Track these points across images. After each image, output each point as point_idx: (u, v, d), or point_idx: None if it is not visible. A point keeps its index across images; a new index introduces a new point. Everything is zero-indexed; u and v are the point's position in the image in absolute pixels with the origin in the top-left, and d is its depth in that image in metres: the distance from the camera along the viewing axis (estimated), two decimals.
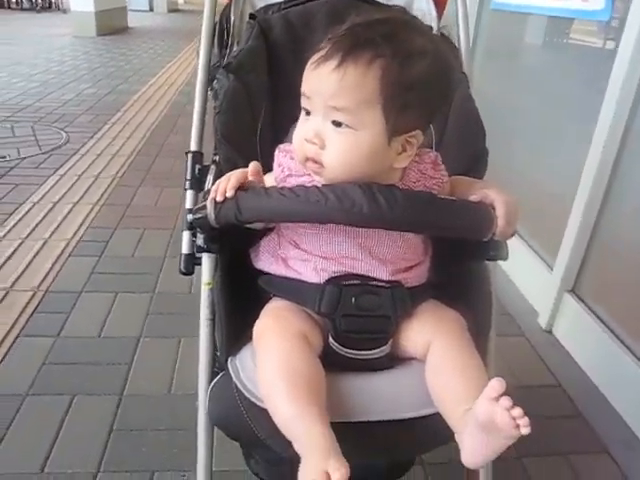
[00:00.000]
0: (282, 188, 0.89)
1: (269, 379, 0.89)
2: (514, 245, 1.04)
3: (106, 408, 1.70)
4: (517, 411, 0.72)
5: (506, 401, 0.73)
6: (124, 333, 2.03)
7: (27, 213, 2.87)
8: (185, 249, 1.14)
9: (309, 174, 0.96)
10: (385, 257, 0.98)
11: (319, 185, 0.87)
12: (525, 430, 0.72)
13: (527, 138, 2.69)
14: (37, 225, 2.76)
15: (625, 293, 1.95)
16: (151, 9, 14.08)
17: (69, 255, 2.51)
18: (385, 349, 0.97)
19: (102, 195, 3.15)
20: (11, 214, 2.84)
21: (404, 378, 0.98)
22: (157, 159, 3.74)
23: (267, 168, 1.03)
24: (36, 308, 2.13)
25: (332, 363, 0.94)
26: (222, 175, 0.95)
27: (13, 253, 2.49)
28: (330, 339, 0.96)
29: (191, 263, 1.14)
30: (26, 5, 12.60)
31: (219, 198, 0.90)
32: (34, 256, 2.48)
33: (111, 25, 9.36)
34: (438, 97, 0.94)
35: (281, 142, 1.07)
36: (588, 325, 2.03)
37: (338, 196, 0.83)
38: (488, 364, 0.98)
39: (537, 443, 1.67)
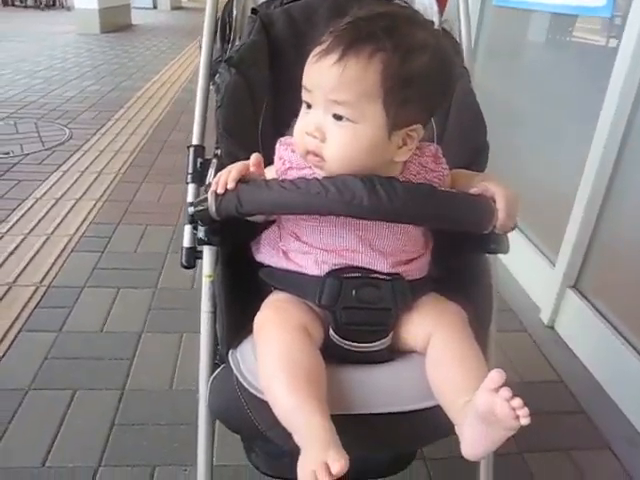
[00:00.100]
0: (283, 180, 0.89)
1: (269, 371, 0.89)
2: (516, 241, 1.04)
3: (108, 403, 1.70)
4: (517, 402, 0.72)
5: (506, 392, 0.73)
6: (126, 328, 2.03)
7: (30, 209, 2.88)
8: (186, 243, 1.15)
9: (310, 167, 0.96)
10: (385, 250, 0.98)
11: (320, 178, 0.87)
12: (525, 421, 0.72)
13: (529, 134, 2.69)
14: (40, 221, 2.76)
15: (627, 289, 1.95)
16: (154, 6, 14.05)
17: (72, 251, 2.52)
18: (385, 342, 0.97)
19: (105, 191, 3.16)
20: (14, 210, 2.85)
21: (404, 371, 0.98)
22: (160, 155, 3.74)
23: (268, 161, 1.03)
24: (38, 303, 2.13)
25: (332, 356, 0.95)
26: (223, 169, 0.96)
27: (16, 248, 2.50)
28: (331, 331, 0.96)
29: (192, 257, 1.14)
30: (30, 3, 12.59)
31: (220, 190, 0.90)
32: (37, 252, 2.48)
33: (115, 22, 9.36)
34: (439, 91, 0.94)
35: (282, 136, 1.07)
36: (590, 321, 2.02)
37: (339, 188, 0.83)
38: (488, 357, 0.98)
39: (539, 439, 1.67)
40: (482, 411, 0.76)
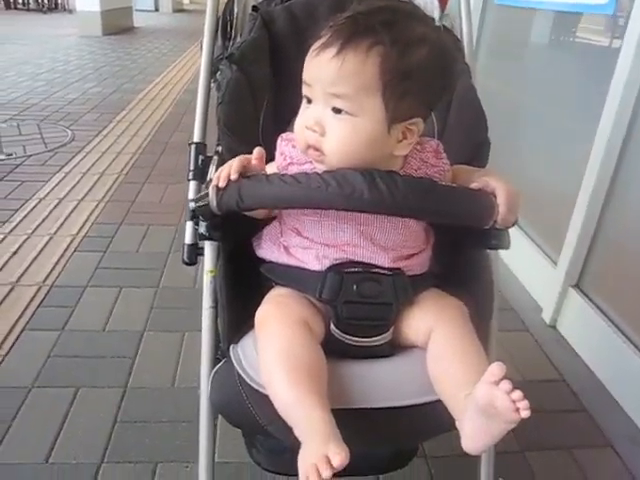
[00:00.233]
0: (283, 175, 0.89)
1: (270, 365, 0.89)
2: (517, 240, 1.04)
3: (110, 400, 1.71)
4: (517, 394, 0.72)
5: (506, 384, 0.73)
6: (128, 327, 2.04)
7: (33, 209, 2.89)
8: (188, 239, 1.15)
9: (311, 162, 0.96)
10: (386, 244, 0.98)
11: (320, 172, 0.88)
12: (525, 413, 0.72)
13: (531, 133, 2.69)
14: (43, 221, 2.77)
15: (630, 288, 1.95)
16: (156, 9, 14.10)
17: (74, 250, 2.53)
18: (386, 336, 0.97)
19: (107, 192, 3.17)
20: (17, 210, 2.86)
21: (405, 365, 0.98)
22: (162, 156, 3.75)
23: (269, 158, 1.03)
24: (41, 302, 2.14)
25: (333, 350, 0.95)
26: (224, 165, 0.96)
27: (19, 248, 2.50)
28: (332, 326, 0.96)
29: (194, 253, 1.15)
30: (33, 6, 12.64)
31: (222, 183, 0.90)
32: (40, 251, 2.49)
33: (117, 25, 9.39)
34: (438, 85, 0.94)
35: (283, 132, 1.07)
36: (592, 320, 2.02)
37: (339, 182, 0.84)
38: (489, 353, 0.98)
39: (540, 437, 1.67)
40: (482, 404, 0.76)
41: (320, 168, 0.93)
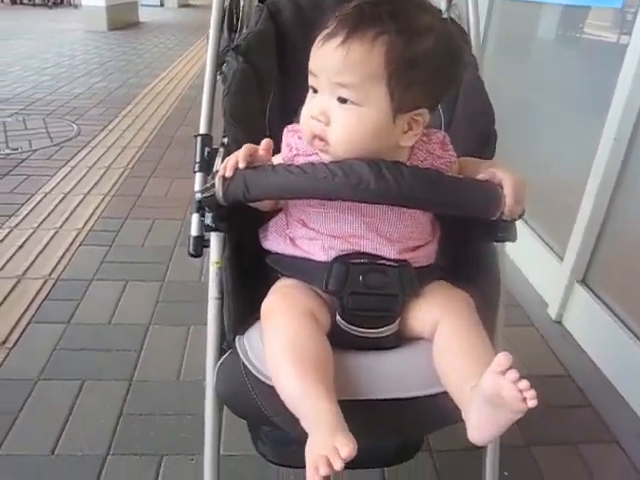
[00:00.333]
0: (289, 165, 0.89)
1: (276, 356, 0.89)
2: (523, 236, 1.03)
3: (116, 393, 1.71)
4: (524, 384, 0.72)
5: (513, 374, 0.72)
6: (134, 320, 2.04)
7: (39, 203, 2.89)
8: (194, 231, 1.14)
9: (317, 153, 0.96)
10: (392, 236, 0.98)
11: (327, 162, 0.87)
12: (532, 403, 0.71)
13: (537, 127, 2.67)
14: (48, 215, 2.78)
15: (636, 283, 1.94)
16: (162, 4, 14.07)
17: (80, 244, 2.53)
18: (392, 328, 0.97)
19: (113, 186, 3.17)
20: (23, 204, 2.86)
21: (411, 357, 0.98)
22: (168, 151, 3.75)
23: (276, 150, 1.03)
24: (47, 296, 2.15)
25: (339, 342, 0.95)
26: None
27: (25, 242, 2.51)
28: (337, 317, 0.96)
29: (200, 245, 1.14)
30: (38, 1, 12.64)
31: (228, 173, 0.90)
32: (45, 245, 2.50)
33: (122, 20, 9.39)
34: (445, 76, 0.93)
35: (290, 124, 1.07)
36: (598, 315, 2.01)
37: (345, 172, 0.83)
38: (495, 345, 0.98)
39: (546, 432, 1.67)
40: (489, 394, 0.76)
41: (326, 159, 0.92)
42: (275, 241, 1.04)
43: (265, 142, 0.95)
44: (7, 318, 2.00)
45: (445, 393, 0.90)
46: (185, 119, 4.40)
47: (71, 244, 2.52)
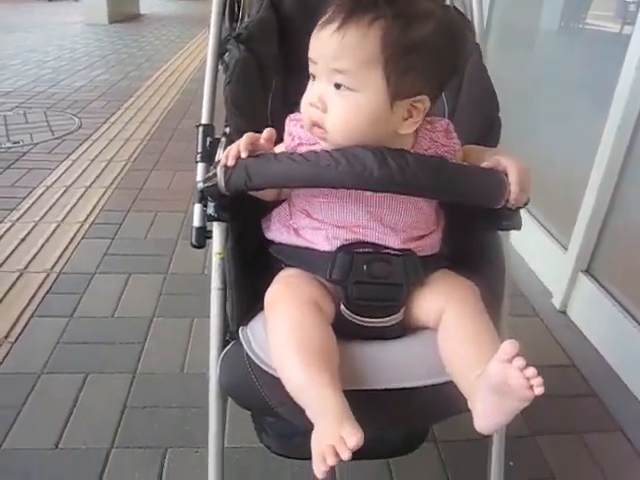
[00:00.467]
0: (292, 153, 0.88)
1: (280, 345, 0.88)
2: (527, 225, 1.03)
3: (119, 386, 1.71)
4: (530, 371, 0.71)
5: (519, 361, 0.72)
6: (137, 313, 2.04)
7: (40, 197, 2.88)
8: (196, 222, 1.13)
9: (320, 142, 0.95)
10: (397, 225, 0.97)
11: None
12: (539, 390, 0.71)
13: (540, 116, 2.66)
14: (50, 208, 2.77)
15: None
16: None
17: (82, 237, 2.52)
18: (397, 317, 0.96)
19: (115, 179, 3.16)
20: (25, 198, 2.85)
21: (416, 346, 0.97)
22: (170, 143, 3.73)
23: (278, 140, 1.02)
24: (50, 289, 2.14)
25: (344, 331, 0.94)
26: None
27: (27, 236, 2.50)
28: (342, 307, 0.95)
29: (203, 236, 1.13)
30: None
31: (230, 162, 0.89)
32: (47, 239, 2.49)
33: (123, 12, 9.34)
34: (445, 62, 0.91)
35: (292, 113, 1.06)
36: (603, 305, 2.01)
37: (349, 160, 0.82)
38: (500, 333, 0.97)
39: (551, 422, 1.67)
40: (495, 382, 0.75)
41: (325, 147, 0.91)
42: (278, 231, 1.04)
43: (267, 131, 0.94)
44: (9, 312, 2.00)
45: (451, 382, 0.90)
46: (187, 111, 4.38)
47: (73, 237, 2.51)
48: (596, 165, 2.05)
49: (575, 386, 1.84)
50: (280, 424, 1.17)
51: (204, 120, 1.22)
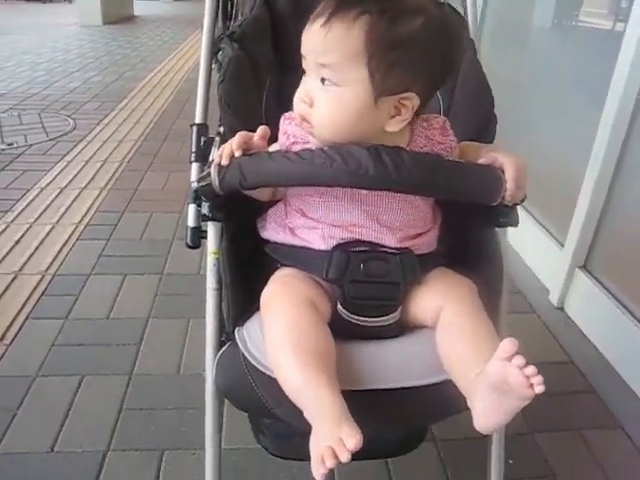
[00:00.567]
0: (286, 151, 0.88)
1: (276, 345, 0.88)
2: (523, 222, 1.02)
3: (115, 388, 1.70)
4: (530, 369, 0.70)
5: (519, 359, 0.71)
6: (133, 314, 2.03)
7: (35, 198, 2.87)
8: (191, 222, 1.12)
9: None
10: (393, 224, 0.96)
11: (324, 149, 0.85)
12: (539, 389, 0.70)
13: (536, 113, 2.66)
14: (45, 210, 2.75)
15: (638, 268, 1.92)
16: None
17: (77, 239, 2.51)
18: (395, 316, 0.96)
19: (109, 180, 3.14)
20: (19, 200, 2.84)
21: (414, 345, 0.96)
22: (164, 143, 3.72)
23: (273, 140, 1.01)
24: (44, 291, 2.13)
25: (341, 331, 0.93)
26: None
27: (21, 238, 2.49)
28: (339, 306, 0.94)
29: (197, 236, 1.12)
30: None
31: (224, 161, 0.88)
32: (42, 240, 2.48)
33: (117, 13, 9.31)
34: (436, 60, 0.89)
35: (286, 112, 1.05)
36: (600, 301, 2.00)
37: (344, 158, 0.81)
38: (499, 331, 0.96)
39: (550, 419, 1.66)
40: (495, 380, 0.75)
41: (314, 142, 0.91)
42: (274, 231, 1.03)
43: (261, 129, 0.93)
44: (4, 315, 1.98)
45: (450, 381, 0.89)
46: (181, 112, 4.36)
47: (68, 239, 2.50)
48: (592, 161, 2.05)
49: (574, 383, 1.84)
50: (277, 425, 1.16)
51: (198, 119, 1.21)
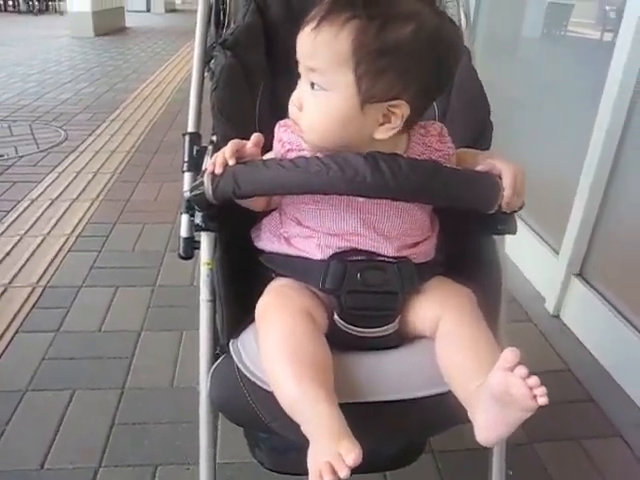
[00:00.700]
0: (281, 159, 0.86)
1: (272, 357, 0.86)
2: (518, 230, 1.01)
3: (107, 402, 1.67)
4: (533, 380, 0.69)
5: (522, 370, 0.69)
6: (125, 327, 2.00)
7: (25, 210, 2.84)
8: (184, 232, 1.11)
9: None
10: (390, 233, 0.94)
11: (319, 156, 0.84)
12: (542, 400, 0.68)
13: (529, 121, 2.66)
14: (36, 221, 2.73)
15: (633, 275, 1.92)
16: (148, 9, 14.02)
17: (68, 250, 2.49)
18: (393, 326, 0.94)
19: (101, 191, 3.13)
20: (9, 211, 2.81)
21: (413, 356, 0.94)
22: (156, 155, 3.71)
23: (267, 148, 0.99)
24: (35, 304, 2.10)
25: (338, 342, 0.91)
26: None
27: (12, 250, 2.46)
28: (336, 317, 0.93)
29: (190, 247, 1.10)
30: (23, 8, 12.56)
31: (218, 170, 0.86)
32: (33, 252, 2.45)
33: (108, 25, 9.33)
34: (427, 67, 0.86)
35: (281, 119, 1.03)
36: (596, 308, 1.99)
37: (340, 165, 0.80)
38: (499, 340, 0.94)
39: (549, 428, 1.64)
40: (497, 391, 0.73)
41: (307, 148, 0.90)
42: (269, 240, 1.01)
43: (255, 136, 0.92)
44: None
45: (450, 392, 0.87)
46: (173, 123, 4.36)
47: (59, 251, 2.47)
48: (586, 168, 2.04)
49: (571, 391, 1.82)
50: (274, 439, 1.14)
51: (190, 128, 1.20)
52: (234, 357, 0.93)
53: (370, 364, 0.91)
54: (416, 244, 0.98)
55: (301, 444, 0.80)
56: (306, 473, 0.77)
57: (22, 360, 1.81)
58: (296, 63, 0.90)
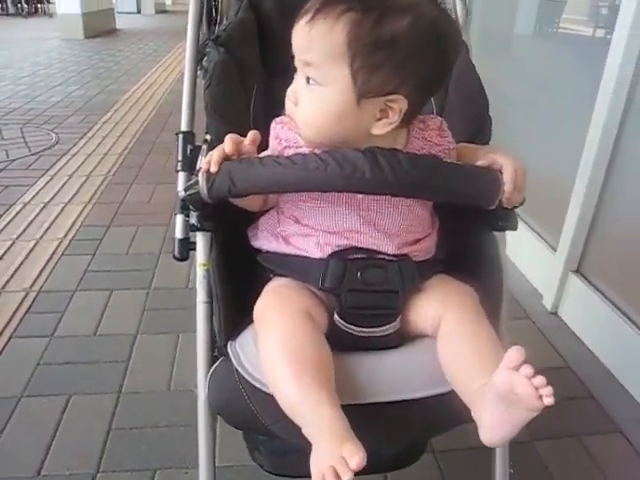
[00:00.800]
0: (278, 156, 0.84)
1: (271, 358, 0.84)
2: None
3: (104, 407, 1.65)
4: (539, 380, 0.67)
5: (527, 369, 0.68)
6: (120, 330, 1.98)
7: (18, 214, 2.82)
8: (179, 233, 1.08)
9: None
10: (390, 230, 0.93)
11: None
12: (548, 400, 0.67)
13: (526, 118, 2.65)
14: (28, 225, 2.70)
15: (632, 270, 1.91)
16: (138, 11, 13.98)
17: (62, 254, 2.46)
18: (394, 326, 0.92)
19: (94, 194, 3.10)
20: (1, 215, 2.79)
21: (415, 356, 0.93)
22: (149, 156, 3.68)
23: (262, 147, 0.97)
24: (29, 308, 2.08)
25: (339, 342, 0.89)
26: None
27: (4, 254, 2.44)
28: (335, 316, 0.91)
29: (185, 248, 1.08)
30: (12, 10, 12.49)
31: (213, 168, 0.84)
32: (26, 257, 2.42)
33: (99, 27, 9.29)
34: (424, 61, 0.84)
35: (277, 117, 1.02)
36: (595, 305, 1.99)
37: (338, 161, 0.78)
38: (501, 338, 0.93)
39: (549, 426, 1.62)
40: (502, 391, 0.71)
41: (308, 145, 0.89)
42: (266, 239, 0.99)
43: (251, 133, 0.90)
44: None
45: (453, 392, 0.86)
46: (166, 124, 4.33)
47: (52, 254, 2.45)
48: (582, 165, 2.04)
49: (571, 388, 1.82)
50: (273, 441, 1.12)
51: (184, 127, 1.17)
52: (232, 359, 0.91)
53: (371, 364, 0.90)
54: (417, 241, 0.97)
55: (301, 447, 0.79)
56: (306, 475, 0.76)
57: (17, 366, 1.79)
58: (292, 58, 0.88)
